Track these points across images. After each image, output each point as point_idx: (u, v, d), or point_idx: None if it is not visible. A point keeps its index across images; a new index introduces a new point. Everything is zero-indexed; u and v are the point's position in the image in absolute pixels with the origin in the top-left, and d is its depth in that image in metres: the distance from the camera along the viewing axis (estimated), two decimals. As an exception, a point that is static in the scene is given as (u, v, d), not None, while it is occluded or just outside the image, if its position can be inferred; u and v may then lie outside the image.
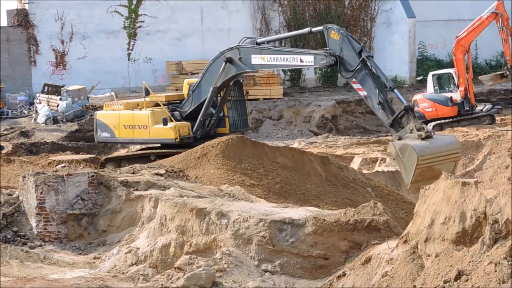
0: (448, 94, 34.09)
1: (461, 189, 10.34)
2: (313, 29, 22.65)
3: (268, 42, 23.21)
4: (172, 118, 23.98)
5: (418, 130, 18.91)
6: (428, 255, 10.64)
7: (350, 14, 47.19)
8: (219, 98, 24.45)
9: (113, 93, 35.89)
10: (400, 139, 19.05)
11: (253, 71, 23.23)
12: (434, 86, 34.73)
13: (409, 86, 45.14)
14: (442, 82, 34.81)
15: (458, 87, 33.95)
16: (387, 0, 46.75)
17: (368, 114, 41.04)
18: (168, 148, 23.86)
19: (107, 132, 25.02)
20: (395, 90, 19.92)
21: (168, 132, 23.86)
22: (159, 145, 24.71)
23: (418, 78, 45.70)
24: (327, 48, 20.99)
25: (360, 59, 20.13)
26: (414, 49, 46.34)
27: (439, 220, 10.52)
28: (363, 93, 20.19)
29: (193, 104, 24.30)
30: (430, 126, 33.65)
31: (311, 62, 21.45)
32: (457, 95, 33.96)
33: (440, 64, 46.06)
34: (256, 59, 22.55)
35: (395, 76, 46.08)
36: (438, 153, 18.77)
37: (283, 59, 22.14)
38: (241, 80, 25.62)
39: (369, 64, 20.15)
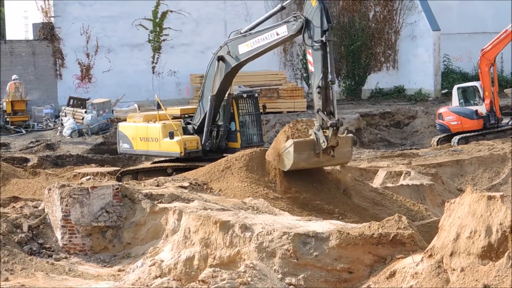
0: (474, 107, 33.92)
1: (487, 203, 10.27)
2: (284, 4, 22.54)
3: (251, 29, 22.91)
4: (179, 132, 23.87)
5: (329, 142, 19.65)
6: (454, 270, 10.57)
7: (375, 27, 47.13)
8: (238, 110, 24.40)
9: (136, 105, 36.04)
10: (319, 129, 19.77)
11: (244, 63, 22.83)
12: (459, 99, 34.57)
13: (434, 99, 44.97)
14: (467, 95, 34.65)
15: (483, 100, 33.77)
16: (412, 13, 46.67)
17: (392, 127, 40.94)
18: (176, 162, 23.85)
19: (127, 143, 25.18)
20: (332, 90, 20.11)
21: (174, 146, 23.86)
22: (164, 158, 24.77)
23: (443, 91, 45.52)
24: (294, 12, 20.95)
25: (321, 38, 20.06)
26: (439, 62, 46.19)
27: (465, 234, 10.45)
28: (311, 68, 20.36)
29: (201, 115, 24.20)
30: (455, 139, 33.54)
31: (285, 31, 21.35)
32: (482, 108, 33.78)
33: (465, 77, 45.87)
34: (242, 48, 22.51)
35: (420, 89, 45.95)
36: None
37: (263, 39, 22.05)
38: (256, 95, 25.44)
39: (327, 47, 20.03)
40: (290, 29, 21.00)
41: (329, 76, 19.99)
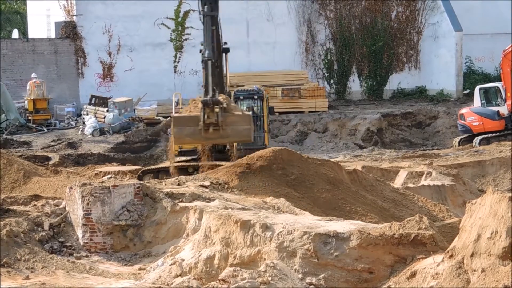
0: (495, 108, 33.78)
1: (508, 203, 10.23)
2: None
3: None
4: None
5: (206, 119, 19.13)
6: (474, 270, 10.53)
7: (397, 27, 47.01)
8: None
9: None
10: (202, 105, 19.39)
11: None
12: (481, 100, 34.44)
13: (456, 99, 44.80)
14: (489, 96, 34.52)
15: (505, 101, 33.62)
16: (434, 13, 46.51)
17: (414, 127, 40.82)
18: (198, 161, 23.74)
19: None
20: (209, 66, 19.56)
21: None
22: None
23: (465, 92, 45.36)
24: None
25: (203, 9, 19.64)
26: (461, 63, 46.01)
27: (486, 235, 10.41)
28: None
29: None
30: (477, 140, 33.39)
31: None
32: (504, 109, 33.63)
33: (487, 78, 45.67)
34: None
35: (442, 90, 45.77)
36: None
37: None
38: (256, 96, 25.07)
39: (215, 22, 19.67)
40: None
41: (205, 52, 19.67)
